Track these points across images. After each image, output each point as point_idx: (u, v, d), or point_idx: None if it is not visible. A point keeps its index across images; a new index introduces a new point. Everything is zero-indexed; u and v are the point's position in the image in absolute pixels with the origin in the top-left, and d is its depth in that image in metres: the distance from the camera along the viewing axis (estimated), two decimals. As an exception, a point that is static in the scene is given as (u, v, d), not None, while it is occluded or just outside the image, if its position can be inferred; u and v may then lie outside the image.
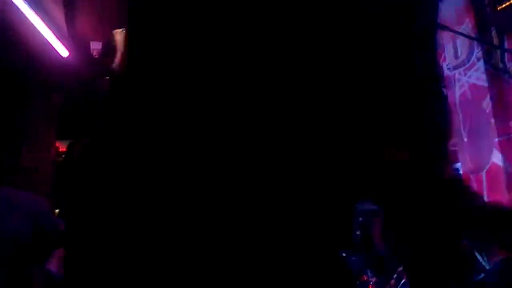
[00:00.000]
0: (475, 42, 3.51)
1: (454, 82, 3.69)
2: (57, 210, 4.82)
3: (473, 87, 3.53)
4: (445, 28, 2.22)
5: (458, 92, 3.64)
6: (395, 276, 2.33)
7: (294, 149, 1.03)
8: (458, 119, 3.52)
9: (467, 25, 3.44)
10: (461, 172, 3.56)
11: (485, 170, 3.37)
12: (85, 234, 1.02)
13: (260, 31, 1.03)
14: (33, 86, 5.19)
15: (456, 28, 3.34)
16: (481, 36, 3.58)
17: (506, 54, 3.40)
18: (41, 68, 4.55)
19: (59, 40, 4.05)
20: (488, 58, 3.49)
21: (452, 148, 3.45)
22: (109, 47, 2.43)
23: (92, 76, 5.12)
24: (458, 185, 1.70)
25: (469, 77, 3.57)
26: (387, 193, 1.34)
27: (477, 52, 3.54)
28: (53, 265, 1.84)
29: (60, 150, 6.98)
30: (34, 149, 5.44)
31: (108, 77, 5.76)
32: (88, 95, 6.04)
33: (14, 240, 1.81)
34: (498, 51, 3.46)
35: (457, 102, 3.62)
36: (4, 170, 5.21)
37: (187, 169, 1.00)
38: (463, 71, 3.60)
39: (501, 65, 3.46)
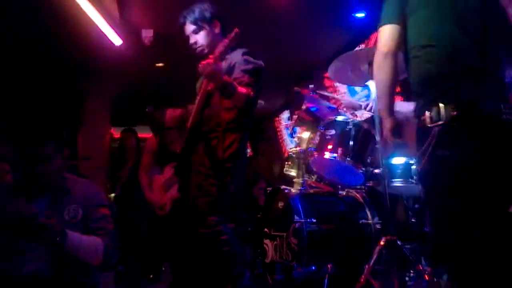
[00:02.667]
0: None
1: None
2: (112, 195, 5.04)
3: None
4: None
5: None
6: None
7: None
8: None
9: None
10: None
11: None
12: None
13: None
14: (88, 75, 5.40)
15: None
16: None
17: None
18: (96, 57, 4.70)
19: (112, 28, 4.14)
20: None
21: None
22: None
23: (143, 62, 5.24)
24: None
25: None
26: None
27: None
28: None
29: (115, 136, 7.27)
30: (90, 136, 5.70)
31: (160, 64, 5.89)
32: (140, 82, 6.21)
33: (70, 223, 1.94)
34: None
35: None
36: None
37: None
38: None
39: None
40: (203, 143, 2.28)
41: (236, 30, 2.05)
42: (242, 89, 2.14)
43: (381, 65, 1.72)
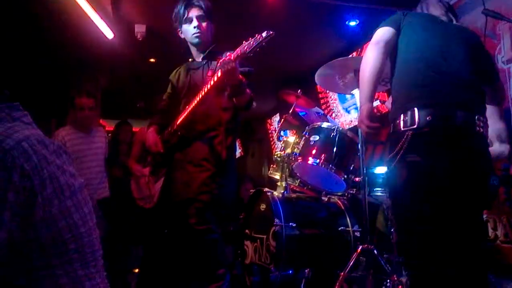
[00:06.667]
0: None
1: (509, 76, 3.44)
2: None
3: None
4: (501, 17, 2.05)
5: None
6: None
7: None
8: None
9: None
10: None
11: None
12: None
13: None
14: (79, 67, 5.37)
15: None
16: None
17: None
18: (87, 49, 4.68)
19: (105, 22, 4.12)
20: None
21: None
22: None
23: (136, 57, 5.22)
24: None
25: (526, 72, 3.31)
26: None
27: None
28: None
29: (106, 128, 7.25)
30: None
31: (152, 59, 5.89)
32: (131, 76, 6.19)
33: None
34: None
35: (510, 98, 3.36)
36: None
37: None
38: (519, 65, 3.34)
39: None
40: (203, 140, 2.28)
41: (270, 32, 1.91)
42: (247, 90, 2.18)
43: (368, 53, 1.75)
